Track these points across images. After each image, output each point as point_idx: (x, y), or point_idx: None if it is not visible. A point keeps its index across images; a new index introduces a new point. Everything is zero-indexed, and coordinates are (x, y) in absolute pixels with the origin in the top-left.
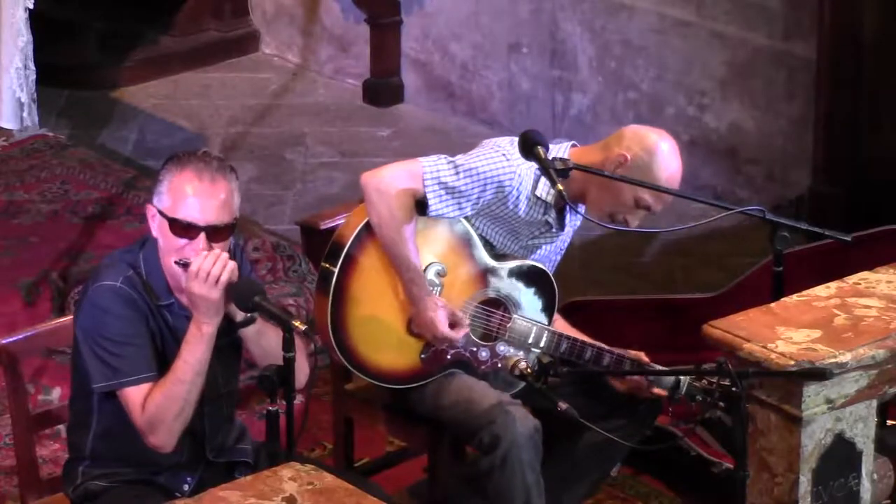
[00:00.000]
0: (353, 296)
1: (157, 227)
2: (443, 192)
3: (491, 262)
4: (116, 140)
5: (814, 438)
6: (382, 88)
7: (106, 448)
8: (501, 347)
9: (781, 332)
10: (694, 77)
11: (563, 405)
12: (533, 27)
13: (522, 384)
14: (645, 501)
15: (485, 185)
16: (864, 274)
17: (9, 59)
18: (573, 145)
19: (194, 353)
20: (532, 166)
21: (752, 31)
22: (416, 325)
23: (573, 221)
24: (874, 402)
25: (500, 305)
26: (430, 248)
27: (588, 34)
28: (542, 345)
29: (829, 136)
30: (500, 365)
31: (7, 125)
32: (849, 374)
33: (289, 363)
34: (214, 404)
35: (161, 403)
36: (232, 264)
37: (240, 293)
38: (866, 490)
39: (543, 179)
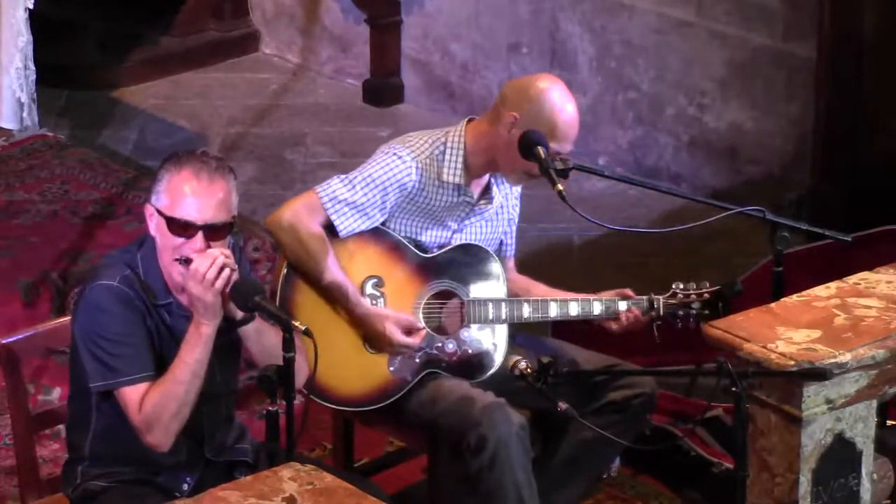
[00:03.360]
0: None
1: (155, 227)
2: (345, 208)
3: (423, 256)
4: (116, 140)
5: (814, 438)
6: (382, 88)
7: (105, 448)
8: (465, 334)
9: (781, 332)
10: (694, 77)
11: (562, 405)
12: (533, 27)
13: (493, 369)
14: (645, 501)
15: (385, 190)
16: (864, 274)
17: (9, 59)
18: (470, 119)
19: (193, 353)
20: (430, 155)
21: (752, 31)
22: (372, 344)
23: (504, 191)
24: (874, 403)
25: (450, 295)
26: (360, 264)
27: (588, 34)
28: (503, 317)
29: (829, 136)
30: (470, 351)
31: (7, 125)
32: (849, 374)
33: (289, 363)
34: (213, 404)
35: (158, 403)
36: (228, 268)
37: (240, 293)
38: (866, 490)
39: (447, 161)
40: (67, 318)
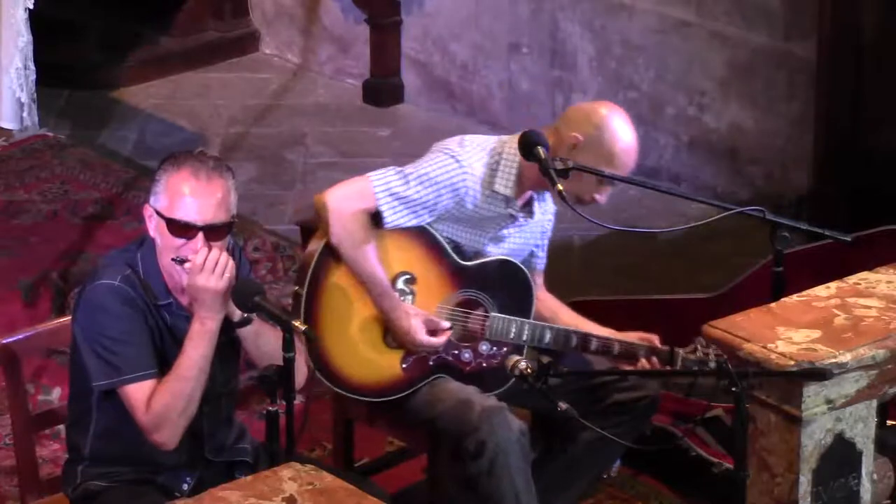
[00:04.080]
0: (326, 315)
1: (155, 228)
2: (396, 202)
3: (461, 263)
4: (116, 140)
5: (814, 438)
6: (382, 88)
7: (105, 448)
8: (484, 347)
9: (781, 332)
10: (694, 77)
11: (563, 405)
12: (533, 27)
13: (511, 381)
14: (645, 501)
15: (439, 191)
16: (864, 274)
17: (9, 59)
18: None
19: (198, 348)
20: (485, 163)
21: (752, 31)
22: (393, 338)
23: (544, 207)
24: (874, 403)
25: (476, 305)
26: (397, 258)
27: (588, 34)
28: (524, 338)
29: (829, 136)
30: (484, 364)
31: (7, 125)
32: (849, 374)
33: (289, 363)
34: (213, 404)
35: (165, 401)
36: (229, 266)
37: (239, 293)
38: (866, 490)
39: (500, 172)
40: (68, 318)
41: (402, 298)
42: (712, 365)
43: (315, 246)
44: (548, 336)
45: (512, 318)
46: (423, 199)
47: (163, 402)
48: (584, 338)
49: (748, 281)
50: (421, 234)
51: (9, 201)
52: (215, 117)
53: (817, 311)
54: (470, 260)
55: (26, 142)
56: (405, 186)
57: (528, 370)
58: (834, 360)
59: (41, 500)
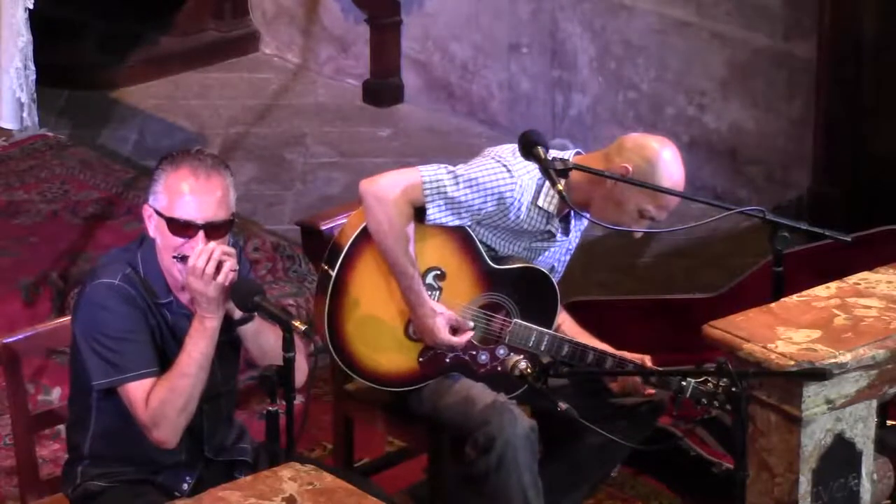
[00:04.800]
0: (352, 297)
1: (155, 227)
2: (442, 201)
3: (491, 266)
4: (116, 140)
5: (814, 438)
6: (382, 88)
7: (105, 448)
8: (501, 351)
9: (781, 332)
10: (694, 77)
11: (563, 405)
12: (533, 27)
13: (525, 386)
14: (645, 501)
15: (485, 197)
16: (864, 274)
17: (9, 59)
18: (577, 153)
19: (198, 346)
20: (534, 176)
21: (752, 31)
22: (415, 331)
23: (578, 226)
24: (874, 403)
25: (500, 309)
26: (430, 253)
27: (588, 34)
28: (542, 348)
29: (829, 136)
30: (499, 368)
31: (7, 125)
32: (849, 374)
33: (289, 363)
34: (213, 402)
35: (165, 398)
36: (229, 259)
37: (239, 293)
38: (866, 490)
39: (546, 189)
40: (68, 318)
41: (429, 293)
42: (720, 399)
43: (352, 228)
44: (565, 349)
45: (533, 326)
46: (469, 203)
47: (161, 398)
48: (601, 357)
49: (748, 281)
50: (457, 233)
51: (9, 201)
52: (215, 117)
53: (817, 311)
54: (501, 264)
55: (26, 142)
56: (455, 187)
57: (528, 370)
58: (834, 360)
59: (41, 500)
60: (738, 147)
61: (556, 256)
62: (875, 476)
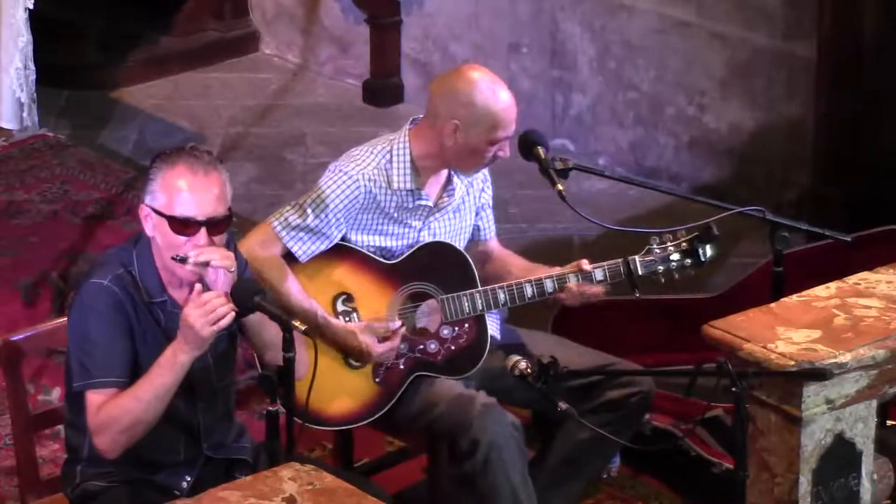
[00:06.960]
0: None
1: (153, 227)
2: (301, 234)
3: (388, 263)
4: (116, 140)
5: (814, 439)
6: (382, 88)
7: None
8: (445, 331)
9: (781, 332)
10: (694, 77)
11: (563, 405)
12: (533, 27)
13: (484, 356)
14: (645, 501)
15: (336, 209)
16: (864, 274)
17: (9, 59)
18: (412, 121)
19: (163, 377)
20: (377, 166)
21: (752, 31)
22: (353, 359)
23: (466, 181)
24: (874, 403)
25: (422, 296)
26: (327, 283)
27: (588, 34)
28: (479, 307)
29: (829, 136)
30: (452, 348)
31: (7, 125)
32: (849, 374)
33: (289, 363)
34: (209, 399)
35: (113, 414)
36: (230, 315)
37: (239, 293)
38: (866, 490)
39: (395, 169)
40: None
41: (346, 318)
42: (676, 258)
43: None
44: (502, 296)
45: (460, 293)
46: (325, 222)
47: (110, 412)
48: (539, 284)
49: (748, 281)
50: (340, 253)
51: (9, 201)
52: (215, 117)
53: (817, 311)
54: (398, 258)
55: (26, 142)
56: (303, 217)
57: (528, 370)
58: (834, 360)
59: (41, 500)
60: (738, 147)
61: (466, 219)
62: (875, 476)
